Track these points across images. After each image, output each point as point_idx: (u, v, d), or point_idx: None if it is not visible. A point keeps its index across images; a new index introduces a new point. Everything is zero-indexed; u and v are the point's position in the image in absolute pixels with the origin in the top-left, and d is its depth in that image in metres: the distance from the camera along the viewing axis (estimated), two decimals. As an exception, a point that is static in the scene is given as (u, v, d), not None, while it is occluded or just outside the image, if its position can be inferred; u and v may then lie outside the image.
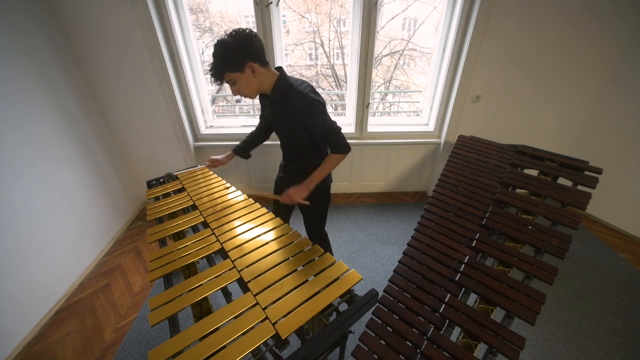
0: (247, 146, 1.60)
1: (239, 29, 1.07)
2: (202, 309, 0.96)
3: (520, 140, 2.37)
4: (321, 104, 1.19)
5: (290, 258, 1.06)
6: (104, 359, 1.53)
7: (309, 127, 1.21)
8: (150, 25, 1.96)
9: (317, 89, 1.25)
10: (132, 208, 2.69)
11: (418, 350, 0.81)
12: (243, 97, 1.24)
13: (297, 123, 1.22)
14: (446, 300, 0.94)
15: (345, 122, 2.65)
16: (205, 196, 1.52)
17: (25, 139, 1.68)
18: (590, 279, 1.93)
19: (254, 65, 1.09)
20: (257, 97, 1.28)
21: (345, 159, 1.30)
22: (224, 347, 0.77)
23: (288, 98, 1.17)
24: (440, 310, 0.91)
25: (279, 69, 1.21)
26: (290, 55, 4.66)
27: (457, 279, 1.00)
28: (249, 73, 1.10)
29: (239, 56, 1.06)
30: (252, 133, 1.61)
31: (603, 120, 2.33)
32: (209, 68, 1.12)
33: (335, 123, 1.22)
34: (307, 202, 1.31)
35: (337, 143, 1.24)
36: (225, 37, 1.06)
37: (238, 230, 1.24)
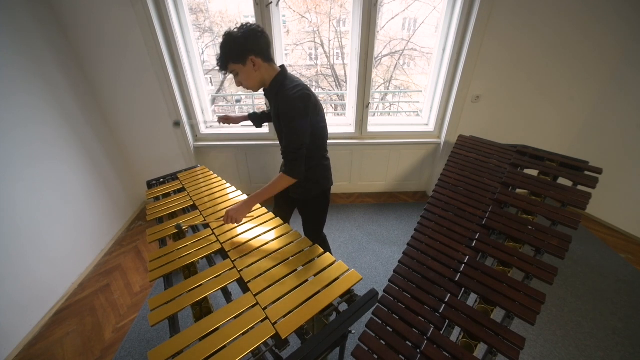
0: (262, 116, 1.59)
1: (248, 23, 1.11)
2: (202, 309, 0.96)
3: (520, 140, 2.37)
4: (303, 114, 1.13)
5: (290, 258, 1.06)
6: (104, 359, 1.53)
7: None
8: (150, 25, 1.96)
9: (317, 89, 1.23)
10: (132, 208, 2.69)
11: (418, 350, 0.81)
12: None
13: (280, 123, 1.22)
14: (446, 300, 0.94)
15: (345, 122, 2.66)
16: (206, 196, 1.52)
17: (25, 139, 1.68)
18: (590, 279, 1.93)
19: (255, 60, 1.11)
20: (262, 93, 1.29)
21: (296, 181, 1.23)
22: (224, 347, 0.77)
23: (279, 97, 1.18)
24: (440, 310, 0.91)
25: (282, 67, 1.22)
26: (290, 55, 4.65)
27: (457, 279, 1.00)
28: (250, 66, 1.12)
29: (242, 49, 1.09)
30: (269, 109, 1.59)
31: (603, 120, 2.33)
32: (216, 61, 1.15)
33: (300, 147, 1.15)
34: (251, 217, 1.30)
35: (292, 167, 1.17)
36: (234, 29, 1.10)
37: (238, 230, 1.24)
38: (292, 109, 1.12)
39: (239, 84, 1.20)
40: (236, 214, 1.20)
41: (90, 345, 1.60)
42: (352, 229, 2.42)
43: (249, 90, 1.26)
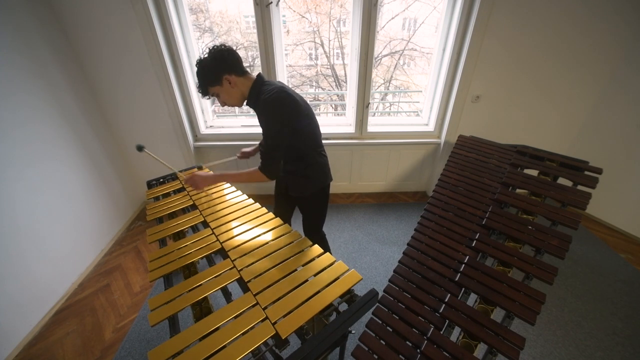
0: None
1: (215, 46, 1.16)
2: (202, 309, 0.96)
3: (520, 140, 2.37)
4: (275, 116, 1.14)
5: (290, 258, 1.06)
6: (104, 359, 1.53)
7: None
8: (150, 25, 1.96)
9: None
10: (132, 208, 2.69)
11: (418, 350, 0.81)
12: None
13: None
14: (446, 300, 0.94)
15: (345, 122, 2.66)
16: (205, 196, 1.52)
17: (25, 139, 1.68)
18: (590, 279, 1.93)
19: (230, 77, 1.16)
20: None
21: (268, 181, 1.26)
22: (224, 347, 0.77)
23: (258, 104, 1.21)
24: (440, 310, 0.91)
25: (258, 75, 1.23)
26: (290, 55, 4.65)
27: (457, 279, 1.00)
28: (227, 85, 1.18)
29: (215, 71, 1.14)
30: None
31: (603, 120, 2.33)
32: (197, 89, 1.22)
33: (276, 149, 1.18)
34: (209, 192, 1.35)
35: (266, 165, 1.21)
36: (204, 56, 1.15)
37: (238, 230, 1.24)
38: (266, 111, 1.16)
39: (223, 104, 1.24)
40: (201, 182, 1.30)
41: (90, 345, 1.60)
42: (352, 229, 2.42)
43: (234, 108, 1.28)
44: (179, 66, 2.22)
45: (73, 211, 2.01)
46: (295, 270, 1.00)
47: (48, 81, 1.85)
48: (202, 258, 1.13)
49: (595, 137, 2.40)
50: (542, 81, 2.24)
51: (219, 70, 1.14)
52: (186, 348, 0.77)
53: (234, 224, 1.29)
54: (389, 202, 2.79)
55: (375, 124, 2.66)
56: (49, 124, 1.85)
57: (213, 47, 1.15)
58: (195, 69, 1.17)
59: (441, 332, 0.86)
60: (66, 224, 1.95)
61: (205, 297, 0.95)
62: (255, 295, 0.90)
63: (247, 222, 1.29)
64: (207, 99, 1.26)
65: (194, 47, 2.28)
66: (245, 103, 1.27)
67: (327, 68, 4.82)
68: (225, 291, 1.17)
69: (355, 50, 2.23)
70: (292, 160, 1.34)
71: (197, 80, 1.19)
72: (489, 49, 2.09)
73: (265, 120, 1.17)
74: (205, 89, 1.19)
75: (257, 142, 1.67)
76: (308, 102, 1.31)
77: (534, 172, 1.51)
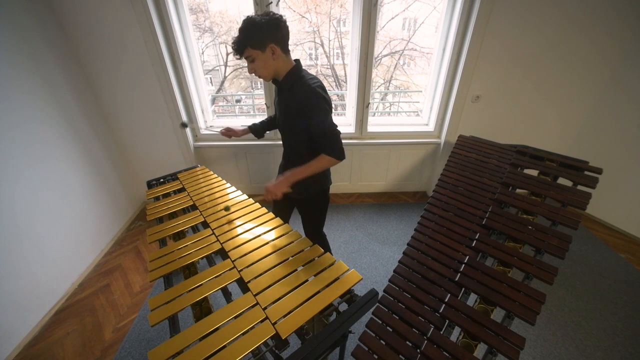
0: (263, 126, 1.60)
1: (271, 11, 1.11)
2: (202, 309, 0.96)
3: (520, 140, 2.37)
4: (326, 101, 1.17)
5: (290, 258, 1.06)
6: (104, 359, 1.53)
7: (308, 121, 1.19)
8: (150, 25, 1.96)
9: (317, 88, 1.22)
10: (132, 208, 2.69)
11: (418, 350, 0.81)
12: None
13: (298, 115, 1.21)
14: (446, 300, 0.94)
15: (345, 122, 2.65)
16: (205, 196, 1.52)
17: (24, 139, 1.68)
18: (590, 279, 1.93)
19: (275, 48, 1.11)
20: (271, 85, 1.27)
21: (338, 163, 1.26)
22: (224, 347, 0.77)
23: (295, 88, 1.18)
24: (440, 310, 0.91)
25: (297, 61, 1.22)
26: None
27: (457, 279, 1.00)
28: (269, 54, 1.12)
29: (263, 35, 1.08)
30: (268, 117, 1.62)
31: (603, 120, 2.33)
32: (232, 44, 1.13)
33: (335, 127, 1.20)
34: (290, 190, 1.27)
35: (332, 146, 1.20)
36: (256, 15, 1.08)
37: (238, 230, 1.24)
38: (316, 96, 1.14)
39: (252, 70, 1.18)
40: (275, 189, 1.21)
41: (90, 345, 1.60)
42: (352, 229, 2.42)
43: (260, 79, 1.24)
44: (179, 66, 2.22)
45: (73, 211, 2.01)
46: (295, 270, 1.00)
47: (48, 80, 1.84)
48: (202, 258, 1.13)
49: (595, 137, 2.40)
50: (542, 81, 2.24)
51: (268, 35, 1.08)
52: (186, 348, 0.77)
53: (234, 224, 1.28)
54: (389, 202, 2.79)
55: (375, 124, 2.66)
56: (48, 124, 1.85)
57: (268, 12, 1.11)
58: (242, 24, 1.07)
59: (441, 332, 0.86)
60: (66, 224, 1.95)
61: (205, 297, 0.95)
62: (255, 296, 0.90)
63: (247, 222, 1.29)
64: (238, 58, 1.20)
65: (194, 47, 2.28)
66: (274, 82, 1.25)
67: (327, 68, 4.82)
68: (225, 291, 1.17)
69: (355, 50, 2.23)
70: (299, 159, 1.34)
71: (238, 36, 1.09)
72: (489, 49, 2.09)
73: (315, 103, 1.15)
74: (243, 47, 1.10)
75: (247, 125, 1.61)
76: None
77: (534, 172, 1.51)
